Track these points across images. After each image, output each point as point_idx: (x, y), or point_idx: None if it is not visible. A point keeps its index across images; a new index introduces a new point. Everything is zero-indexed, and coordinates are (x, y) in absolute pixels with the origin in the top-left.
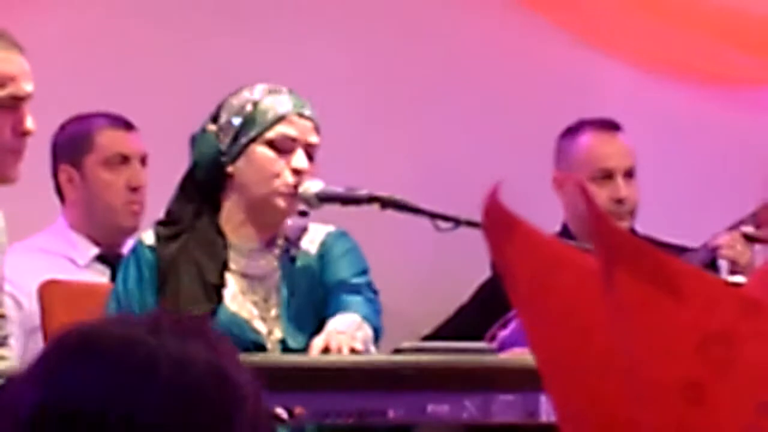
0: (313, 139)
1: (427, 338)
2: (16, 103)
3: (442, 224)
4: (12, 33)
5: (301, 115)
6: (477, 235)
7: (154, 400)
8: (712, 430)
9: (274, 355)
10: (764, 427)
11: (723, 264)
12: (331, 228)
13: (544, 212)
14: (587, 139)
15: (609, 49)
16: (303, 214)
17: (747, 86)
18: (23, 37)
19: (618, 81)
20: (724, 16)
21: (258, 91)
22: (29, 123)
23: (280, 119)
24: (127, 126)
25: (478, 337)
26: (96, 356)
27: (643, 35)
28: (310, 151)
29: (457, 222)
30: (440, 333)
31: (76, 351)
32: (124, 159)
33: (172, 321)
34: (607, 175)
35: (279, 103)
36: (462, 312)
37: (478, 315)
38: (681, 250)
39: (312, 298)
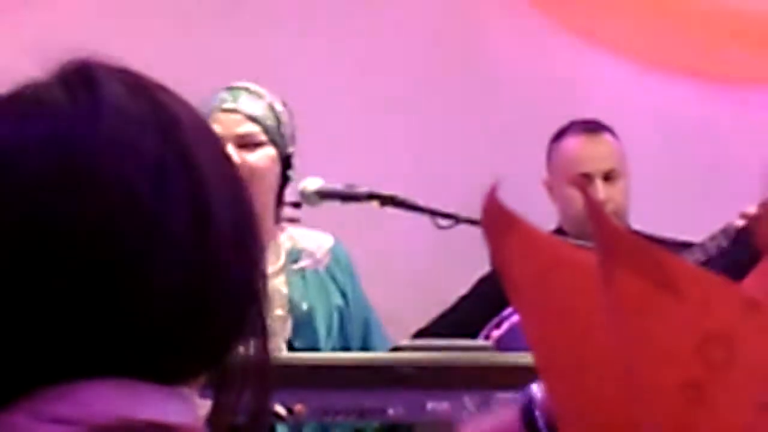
0: (242, 129)
1: (422, 331)
2: None
3: (442, 222)
4: (10, 32)
5: (225, 110)
6: (475, 232)
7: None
8: (712, 430)
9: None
10: (764, 427)
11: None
12: (330, 237)
13: (544, 209)
14: (568, 144)
15: (609, 47)
16: (293, 220)
17: (746, 85)
18: (22, 34)
19: (618, 79)
20: (723, 15)
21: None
22: None
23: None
24: None
25: (475, 331)
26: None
27: (642, 33)
28: (245, 142)
29: (456, 219)
30: (436, 326)
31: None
32: None
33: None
34: (587, 179)
35: (209, 102)
36: (460, 305)
37: (474, 309)
38: (680, 246)
39: (322, 302)
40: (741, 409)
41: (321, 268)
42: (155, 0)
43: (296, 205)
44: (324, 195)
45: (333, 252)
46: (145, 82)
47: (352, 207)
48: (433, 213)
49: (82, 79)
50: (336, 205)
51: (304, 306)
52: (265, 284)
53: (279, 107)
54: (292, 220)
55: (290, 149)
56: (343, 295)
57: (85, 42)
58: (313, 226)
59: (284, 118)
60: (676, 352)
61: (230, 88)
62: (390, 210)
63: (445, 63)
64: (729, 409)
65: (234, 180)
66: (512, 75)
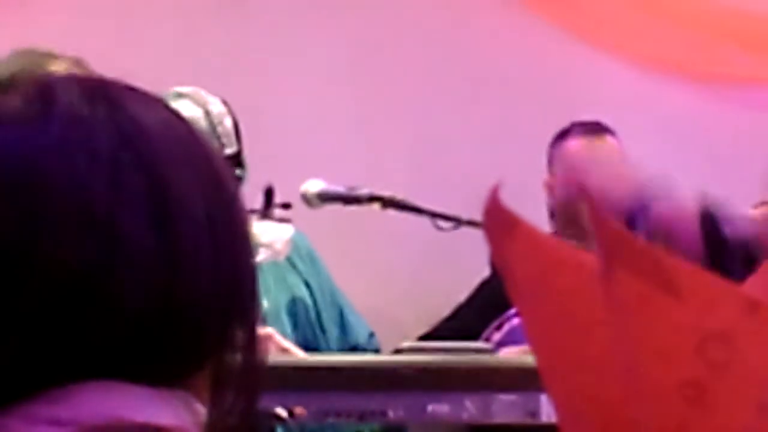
0: None
1: (424, 337)
2: None
3: (443, 224)
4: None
5: None
6: (475, 234)
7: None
8: (712, 430)
9: (273, 355)
10: (764, 427)
11: None
12: (290, 227)
13: (544, 209)
14: (571, 145)
15: (608, 47)
16: (284, 221)
17: (747, 84)
18: (20, 36)
19: (617, 79)
20: (723, 15)
21: None
22: None
23: None
24: None
25: (476, 337)
26: None
27: (642, 33)
28: None
29: (457, 221)
30: (438, 332)
31: None
32: None
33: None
34: None
35: None
36: (460, 311)
37: (476, 314)
38: None
39: (283, 295)
40: (741, 409)
41: (280, 259)
42: (153, 0)
43: (286, 206)
44: (325, 197)
45: (293, 241)
46: (108, 88)
47: (354, 209)
48: (434, 215)
49: (37, 89)
50: (337, 207)
51: (265, 303)
52: (255, 282)
53: (215, 110)
54: (283, 221)
55: (229, 150)
56: (307, 284)
57: (84, 42)
58: (313, 228)
59: (221, 120)
60: (676, 352)
61: (170, 95)
62: (391, 212)
63: (446, 65)
64: (729, 409)
65: (212, 180)
66: (512, 76)
